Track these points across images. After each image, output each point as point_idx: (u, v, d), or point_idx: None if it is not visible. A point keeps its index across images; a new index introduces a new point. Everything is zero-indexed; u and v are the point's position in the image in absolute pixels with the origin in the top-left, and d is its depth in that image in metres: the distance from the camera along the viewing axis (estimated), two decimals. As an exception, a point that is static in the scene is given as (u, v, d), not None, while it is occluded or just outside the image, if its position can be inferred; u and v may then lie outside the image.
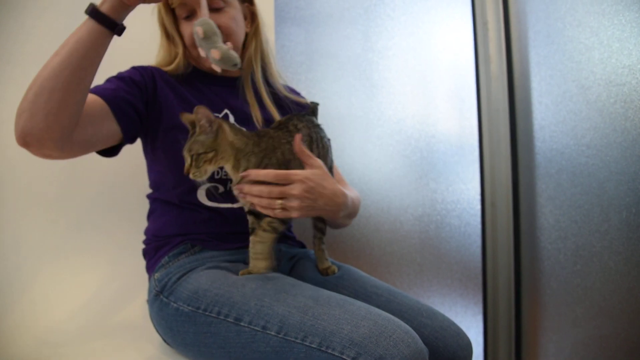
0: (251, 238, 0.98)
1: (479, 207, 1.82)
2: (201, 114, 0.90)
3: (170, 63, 1.15)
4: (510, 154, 1.74)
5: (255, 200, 0.92)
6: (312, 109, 1.22)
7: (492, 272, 1.81)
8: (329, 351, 0.78)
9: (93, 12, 0.85)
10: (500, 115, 1.76)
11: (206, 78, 1.21)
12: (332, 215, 1.01)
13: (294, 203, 0.91)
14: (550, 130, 1.55)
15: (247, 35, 1.20)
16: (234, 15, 1.13)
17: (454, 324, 1.00)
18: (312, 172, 0.94)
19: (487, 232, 1.82)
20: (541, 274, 1.61)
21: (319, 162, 0.97)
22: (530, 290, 1.69)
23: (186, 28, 1.13)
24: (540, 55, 1.58)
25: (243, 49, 1.20)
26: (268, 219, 0.96)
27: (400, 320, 0.84)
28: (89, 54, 0.85)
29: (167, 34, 1.16)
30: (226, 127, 0.94)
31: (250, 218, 1.02)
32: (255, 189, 0.91)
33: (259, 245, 0.97)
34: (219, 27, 1.07)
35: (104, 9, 0.85)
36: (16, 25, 1.34)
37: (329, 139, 1.13)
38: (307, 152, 0.96)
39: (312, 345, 0.80)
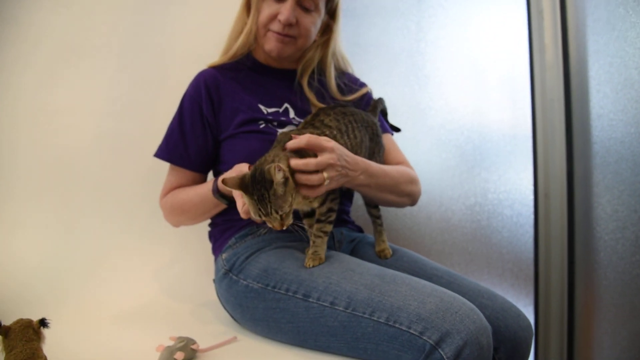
0: (311, 238, 1.01)
1: (531, 197, 1.81)
2: (281, 170, 0.86)
3: (237, 38, 1.21)
4: (565, 144, 1.71)
5: (306, 183, 0.92)
6: (374, 105, 1.26)
7: (545, 263, 1.79)
8: (397, 325, 0.82)
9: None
10: (555, 105, 1.73)
11: (264, 70, 1.26)
12: (356, 182, 1.01)
13: (332, 173, 0.92)
14: (608, 118, 1.52)
15: (314, 42, 1.25)
16: (316, 21, 1.19)
17: (514, 305, 1.02)
18: (334, 144, 0.95)
19: (539, 222, 1.80)
20: (596, 265, 1.59)
21: (331, 142, 0.95)
22: (585, 281, 1.67)
23: (269, 7, 1.15)
24: (599, 43, 1.55)
25: (306, 51, 1.25)
26: (318, 225, 1.00)
27: (463, 299, 0.86)
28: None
29: (247, 6, 1.21)
30: (285, 167, 0.89)
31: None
32: (298, 162, 0.91)
33: (317, 248, 1.00)
34: (301, 25, 1.14)
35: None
36: (43, 19, 1.43)
37: (368, 126, 1.12)
38: (315, 141, 0.92)
39: (380, 320, 0.84)
